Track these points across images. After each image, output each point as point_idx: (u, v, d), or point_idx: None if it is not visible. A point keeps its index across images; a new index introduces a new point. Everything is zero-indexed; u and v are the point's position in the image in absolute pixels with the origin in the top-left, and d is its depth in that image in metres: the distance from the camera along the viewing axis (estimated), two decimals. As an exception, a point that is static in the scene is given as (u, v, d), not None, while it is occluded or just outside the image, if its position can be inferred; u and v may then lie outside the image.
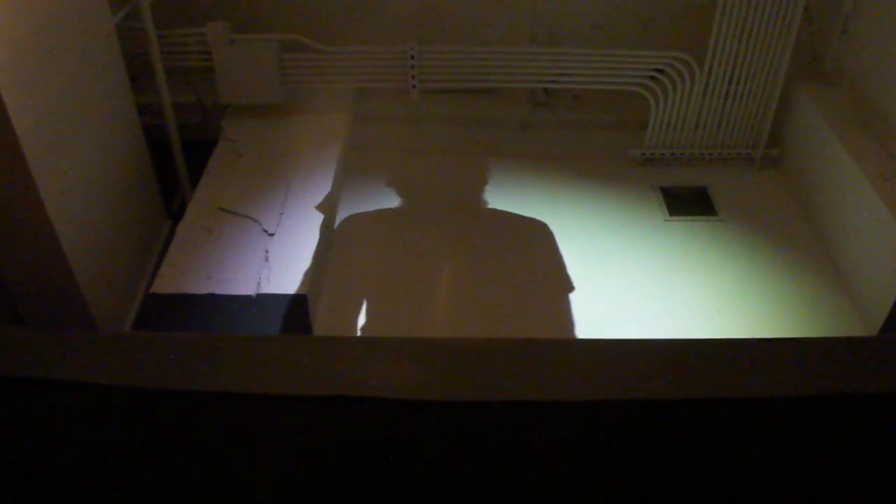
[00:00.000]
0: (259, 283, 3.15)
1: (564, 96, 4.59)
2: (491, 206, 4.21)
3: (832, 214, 3.89)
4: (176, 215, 3.91)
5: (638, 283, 3.74)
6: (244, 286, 3.13)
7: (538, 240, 3.98)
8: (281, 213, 3.52)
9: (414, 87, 4.27)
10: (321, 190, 3.68)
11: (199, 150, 3.99)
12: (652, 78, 4.20)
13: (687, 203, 4.24)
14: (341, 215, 4.06)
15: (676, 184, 4.36)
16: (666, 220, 4.10)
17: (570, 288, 3.69)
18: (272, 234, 3.39)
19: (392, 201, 4.24)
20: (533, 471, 1.07)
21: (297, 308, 3.11)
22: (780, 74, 4.12)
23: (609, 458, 1.08)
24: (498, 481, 1.07)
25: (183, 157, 4.06)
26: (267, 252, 3.30)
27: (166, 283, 3.15)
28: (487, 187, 4.32)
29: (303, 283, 3.15)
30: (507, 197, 4.24)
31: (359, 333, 3.47)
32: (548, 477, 1.07)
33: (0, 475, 1.12)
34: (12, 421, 1.14)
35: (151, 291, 3.14)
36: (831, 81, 4.26)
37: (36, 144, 2.71)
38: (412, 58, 4.16)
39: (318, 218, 3.52)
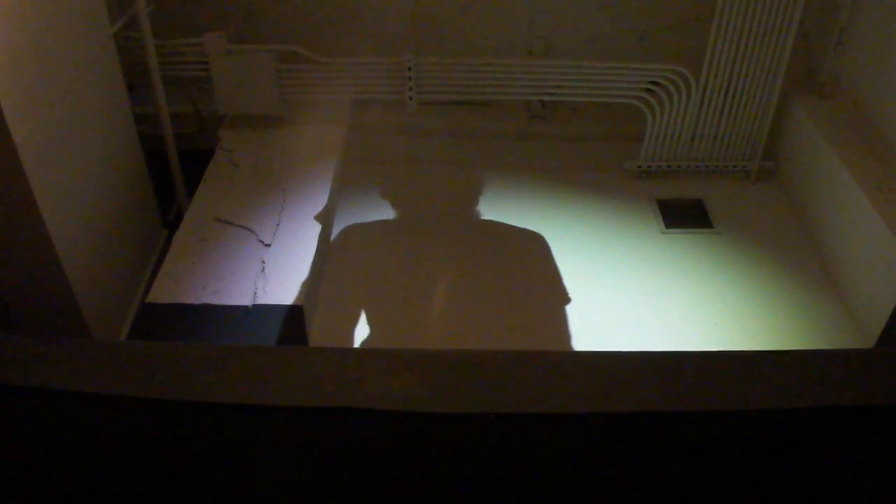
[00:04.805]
0: (255, 293, 3.14)
1: (561, 108, 4.61)
2: (487, 217, 4.21)
3: (828, 226, 3.90)
4: (172, 225, 3.91)
5: (634, 296, 3.74)
6: (240, 297, 3.13)
7: (534, 251, 3.98)
8: (277, 224, 3.51)
9: (411, 98, 4.28)
10: (318, 200, 3.68)
11: (196, 159, 3.99)
12: (648, 90, 4.22)
13: (683, 215, 4.25)
14: (338, 226, 4.06)
15: (672, 196, 4.37)
16: (662, 233, 4.11)
17: (567, 300, 3.69)
18: (268, 245, 3.39)
19: (388, 212, 4.25)
20: (531, 483, 1.07)
21: (292, 319, 3.10)
22: (776, 87, 4.14)
23: (606, 471, 1.08)
24: (495, 494, 1.07)
25: (179, 166, 4.06)
26: (263, 262, 3.29)
27: (162, 293, 3.14)
28: (484, 199, 4.33)
29: (299, 294, 3.15)
30: (503, 208, 4.25)
31: (355, 344, 3.46)
32: (545, 489, 1.07)
33: (-6, 486, 1.11)
34: (6, 430, 1.14)
35: (147, 301, 3.13)
36: (826, 94, 4.28)
37: (34, 153, 2.71)
38: (409, 69, 4.17)
39: (315, 228, 3.51)
